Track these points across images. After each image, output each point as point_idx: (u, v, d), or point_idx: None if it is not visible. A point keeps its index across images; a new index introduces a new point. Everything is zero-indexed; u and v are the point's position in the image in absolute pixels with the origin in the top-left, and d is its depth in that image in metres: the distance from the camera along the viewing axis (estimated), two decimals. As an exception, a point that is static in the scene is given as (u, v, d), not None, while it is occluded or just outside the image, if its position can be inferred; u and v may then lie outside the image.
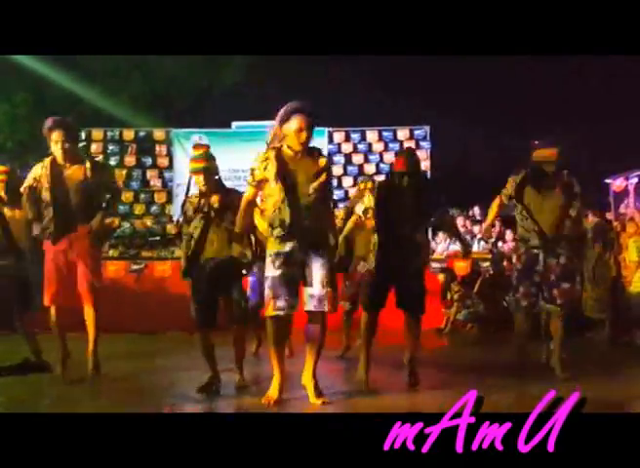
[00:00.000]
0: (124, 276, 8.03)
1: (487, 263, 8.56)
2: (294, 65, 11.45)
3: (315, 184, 3.60)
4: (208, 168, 4.07)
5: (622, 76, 14.90)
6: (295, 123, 3.57)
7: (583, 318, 6.81)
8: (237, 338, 4.17)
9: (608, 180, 8.34)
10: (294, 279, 3.59)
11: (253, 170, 3.70)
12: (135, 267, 8.10)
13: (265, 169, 3.62)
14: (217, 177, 4.16)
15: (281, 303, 3.54)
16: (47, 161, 4.39)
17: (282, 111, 3.63)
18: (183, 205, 4.22)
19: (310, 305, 3.59)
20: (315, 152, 3.77)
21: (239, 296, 4.10)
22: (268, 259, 3.65)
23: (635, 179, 7.86)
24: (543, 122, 18.20)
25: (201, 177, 4.04)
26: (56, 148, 4.34)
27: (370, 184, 5.36)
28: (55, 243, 4.34)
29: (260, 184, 3.72)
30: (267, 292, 3.60)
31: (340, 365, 5.28)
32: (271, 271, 3.61)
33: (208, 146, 4.29)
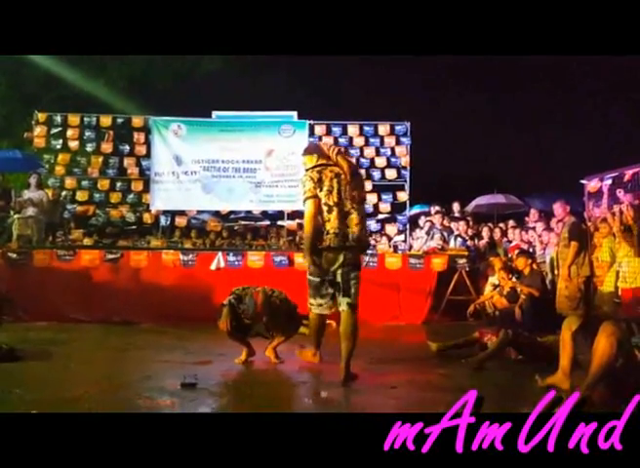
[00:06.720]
0: (99, 265, 7.89)
1: (463, 260, 8.64)
2: (276, 57, 11.32)
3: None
4: None
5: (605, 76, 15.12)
6: None
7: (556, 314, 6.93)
8: None
9: (583, 181, 8.47)
10: None
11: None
12: (110, 256, 7.96)
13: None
14: None
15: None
16: None
17: None
18: None
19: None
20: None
21: None
22: None
23: (609, 181, 7.99)
24: (523, 120, 18.45)
25: None
26: None
27: None
28: None
29: None
30: None
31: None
32: None
33: None
